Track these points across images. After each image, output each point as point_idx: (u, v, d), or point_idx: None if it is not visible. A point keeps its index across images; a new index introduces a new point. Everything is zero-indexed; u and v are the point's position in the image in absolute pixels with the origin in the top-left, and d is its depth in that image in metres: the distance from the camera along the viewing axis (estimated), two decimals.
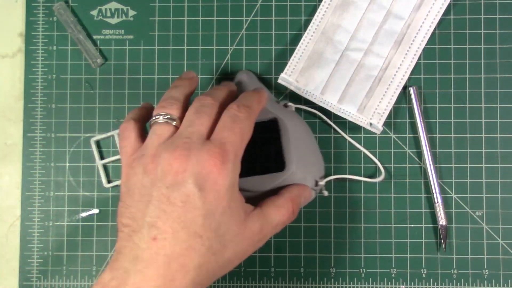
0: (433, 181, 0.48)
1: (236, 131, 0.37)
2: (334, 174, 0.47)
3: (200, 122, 0.38)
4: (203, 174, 0.35)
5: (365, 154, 0.48)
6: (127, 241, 0.35)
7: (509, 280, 0.48)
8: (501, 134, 0.49)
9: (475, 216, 0.48)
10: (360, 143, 0.49)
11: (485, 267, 0.48)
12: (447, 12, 0.49)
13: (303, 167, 0.44)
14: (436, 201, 0.48)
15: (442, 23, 0.49)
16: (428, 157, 0.48)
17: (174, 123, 0.38)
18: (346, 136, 0.49)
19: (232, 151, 0.36)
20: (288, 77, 0.47)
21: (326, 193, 0.46)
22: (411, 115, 0.49)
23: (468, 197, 0.48)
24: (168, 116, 0.38)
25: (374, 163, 0.48)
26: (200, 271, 0.35)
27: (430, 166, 0.48)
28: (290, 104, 0.47)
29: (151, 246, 0.34)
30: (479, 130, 0.49)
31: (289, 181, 0.43)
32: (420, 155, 0.49)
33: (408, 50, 0.47)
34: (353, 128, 0.49)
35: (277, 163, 0.45)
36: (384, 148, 0.49)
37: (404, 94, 0.49)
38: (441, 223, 0.47)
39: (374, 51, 0.47)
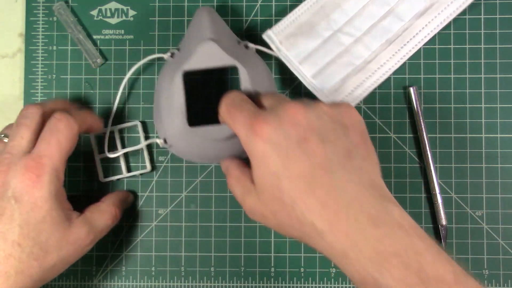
0: (433, 181, 0.48)
1: (53, 142, 0.40)
2: None
3: (20, 135, 0.41)
4: (20, 187, 0.39)
5: None
6: None
7: (509, 280, 0.48)
8: (501, 134, 0.49)
9: (475, 216, 0.48)
10: None
11: (485, 267, 0.48)
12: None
13: None
14: (436, 201, 0.48)
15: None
16: (428, 157, 0.48)
17: (5, 139, 0.42)
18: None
19: (48, 164, 0.39)
20: (274, 36, 0.47)
21: None
22: (411, 115, 0.49)
23: (468, 197, 0.48)
24: (3, 134, 0.43)
25: None
26: (23, 276, 0.38)
27: (431, 166, 0.48)
28: (251, 45, 0.47)
29: None
30: (479, 130, 0.49)
31: None
32: (420, 155, 0.49)
33: (396, 52, 0.47)
34: None
35: None
36: (384, 148, 0.49)
37: (404, 94, 0.49)
38: (441, 223, 0.47)
39: (364, 41, 0.47)
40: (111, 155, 0.48)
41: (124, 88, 0.49)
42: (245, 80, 0.43)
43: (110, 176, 0.49)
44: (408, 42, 0.47)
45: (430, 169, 0.48)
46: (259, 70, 0.45)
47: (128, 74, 0.48)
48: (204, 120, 0.43)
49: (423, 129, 0.48)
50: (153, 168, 0.49)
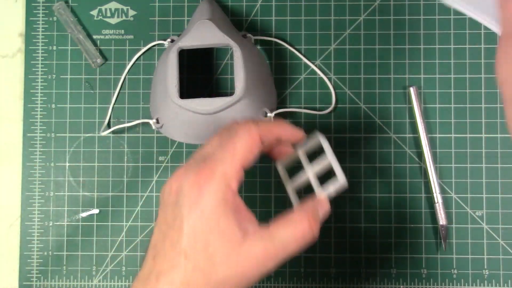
0: (433, 181, 0.48)
1: (227, 147, 0.36)
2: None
3: (210, 143, 0.37)
4: (188, 194, 0.35)
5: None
6: (145, 261, 0.37)
7: (509, 280, 0.48)
8: (501, 134, 0.48)
9: (475, 216, 0.48)
10: (360, 143, 0.49)
11: (485, 267, 0.48)
12: (447, 12, 0.49)
13: (254, 96, 0.45)
14: (436, 201, 0.48)
15: (442, 23, 0.49)
16: (428, 157, 0.48)
17: None
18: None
19: (218, 169, 0.35)
20: None
21: None
22: (411, 115, 0.49)
23: (468, 197, 0.48)
24: None
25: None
26: None
27: (430, 166, 0.48)
28: (249, 35, 0.48)
29: (151, 264, 0.36)
30: (479, 130, 0.49)
31: (238, 108, 0.44)
32: (420, 155, 0.49)
33: None
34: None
35: (232, 90, 0.46)
36: (384, 148, 0.49)
37: (404, 94, 0.49)
38: (441, 223, 0.47)
39: None
40: (103, 133, 0.49)
41: (125, 80, 0.49)
42: (239, 60, 0.44)
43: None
44: None
45: (431, 169, 0.48)
46: (254, 56, 0.46)
47: (132, 61, 0.48)
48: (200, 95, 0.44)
49: (423, 129, 0.48)
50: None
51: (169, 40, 0.48)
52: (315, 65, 0.49)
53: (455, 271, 0.48)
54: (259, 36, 0.49)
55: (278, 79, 0.50)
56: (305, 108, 0.49)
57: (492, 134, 0.48)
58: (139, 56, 0.50)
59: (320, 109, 0.49)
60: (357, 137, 0.49)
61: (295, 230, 0.36)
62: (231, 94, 0.44)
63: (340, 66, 0.49)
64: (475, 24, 0.49)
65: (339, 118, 0.49)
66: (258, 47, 0.50)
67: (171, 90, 0.44)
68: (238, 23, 0.50)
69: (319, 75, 0.49)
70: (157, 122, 0.47)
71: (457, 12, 0.49)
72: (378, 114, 0.49)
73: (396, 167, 0.49)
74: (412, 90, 0.48)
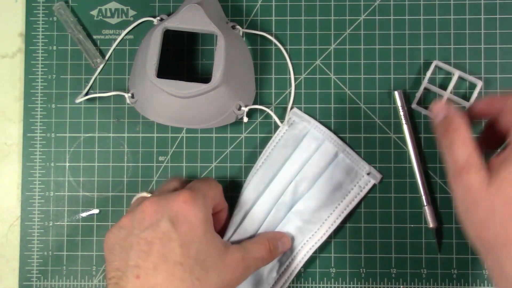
0: (420, 184, 0.48)
1: (203, 183, 0.43)
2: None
3: (168, 184, 0.44)
4: (175, 210, 0.39)
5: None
6: None
7: None
8: None
9: None
10: (360, 143, 0.49)
11: (485, 267, 0.48)
12: (447, 12, 0.49)
13: (230, 87, 0.45)
14: (424, 204, 0.47)
15: (442, 23, 0.49)
16: (415, 160, 0.48)
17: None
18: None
19: (200, 193, 0.41)
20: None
21: (246, 119, 0.47)
22: (411, 115, 0.49)
23: None
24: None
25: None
26: None
27: (417, 168, 0.48)
28: (238, 27, 0.49)
29: (135, 283, 0.37)
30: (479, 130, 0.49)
31: (213, 96, 0.44)
32: (420, 155, 0.49)
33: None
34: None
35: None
36: (384, 148, 0.49)
37: (404, 95, 0.49)
38: (431, 226, 0.47)
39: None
40: (78, 100, 0.49)
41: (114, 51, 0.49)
42: (221, 49, 0.44)
43: None
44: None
45: (419, 172, 0.48)
46: (238, 48, 0.46)
47: (121, 36, 0.49)
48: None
49: (409, 130, 0.48)
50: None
51: (158, 18, 0.48)
52: (316, 65, 0.50)
53: (455, 271, 0.48)
54: (247, 29, 0.49)
55: (278, 78, 0.50)
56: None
57: None
58: (128, 31, 0.50)
59: (320, 109, 0.49)
60: (357, 137, 0.49)
61: (259, 248, 0.43)
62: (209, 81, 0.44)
63: (340, 66, 0.50)
64: (475, 24, 0.49)
65: (339, 118, 0.49)
66: (253, 46, 0.50)
67: (149, 67, 0.44)
68: (238, 23, 0.50)
69: (316, 75, 0.49)
70: (132, 96, 0.47)
71: (457, 12, 0.49)
72: (378, 114, 0.49)
73: (396, 167, 0.49)
74: (396, 94, 0.48)
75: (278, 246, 0.45)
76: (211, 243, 0.40)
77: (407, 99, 0.49)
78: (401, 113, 0.48)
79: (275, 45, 0.50)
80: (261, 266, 0.44)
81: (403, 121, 0.48)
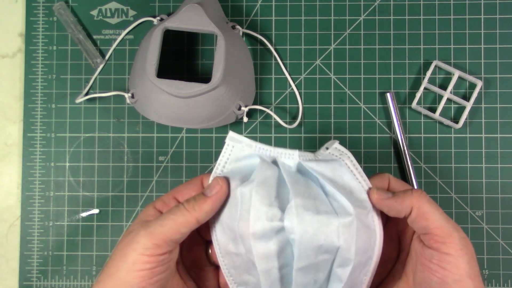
0: (415, 183, 0.48)
1: (169, 217, 0.35)
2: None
3: (147, 209, 0.38)
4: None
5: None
6: None
7: (509, 280, 0.48)
8: (501, 134, 0.49)
9: (475, 216, 0.48)
10: (359, 144, 0.49)
11: (485, 267, 0.48)
12: (447, 12, 0.49)
13: (230, 87, 0.45)
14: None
15: (442, 23, 0.49)
16: (407, 159, 0.48)
17: None
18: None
19: (147, 230, 0.35)
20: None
21: (246, 119, 0.47)
22: (411, 116, 0.49)
23: (468, 197, 0.48)
24: None
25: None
26: None
27: (410, 168, 0.48)
28: (238, 27, 0.49)
29: None
30: (479, 130, 0.49)
31: (212, 96, 0.44)
32: (420, 155, 0.49)
33: None
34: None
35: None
36: (384, 148, 0.49)
37: (404, 94, 0.49)
38: None
39: None
40: (78, 100, 0.48)
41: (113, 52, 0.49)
42: (221, 49, 0.44)
43: None
44: None
45: (410, 171, 0.48)
46: (238, 49, 0.46)
47: (121, 36, 0.48)
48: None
49: (401, 131, 0.48)
50: None
51: (158, 18, 0.48)
52: (316, 65, 0.50)
53: None
54: (247, 30, 0.49)
55: (277, 79, 0.50)
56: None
57: (492, 134, 0.48)
58: (128, 31, 0.50)
59: (321, 110, 0.49)
60: (357, 137, 0.49)
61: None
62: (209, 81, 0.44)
63: (340, 66, 0.50)
64: (475, 24, 0.49)
65: (339, 118, 0.49)
66: (251, 46, 0.50)
67: (149, 67, 0.44)
68: (238, 23, 0.50)
69: (317, 73, 0.49)
70: (132, 96, 0.47)
71: (456, 12, 0.49)
72: (378, 114, 0.49)
73: (396, 167, 0.49)
74: (389, 96, 0.48)
75: None
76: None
77: (403, 100, 0.49)
78: (393, 115, 0.48)
79: (275, 45, 0.50)
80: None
81: (396, 123, 0.48)
